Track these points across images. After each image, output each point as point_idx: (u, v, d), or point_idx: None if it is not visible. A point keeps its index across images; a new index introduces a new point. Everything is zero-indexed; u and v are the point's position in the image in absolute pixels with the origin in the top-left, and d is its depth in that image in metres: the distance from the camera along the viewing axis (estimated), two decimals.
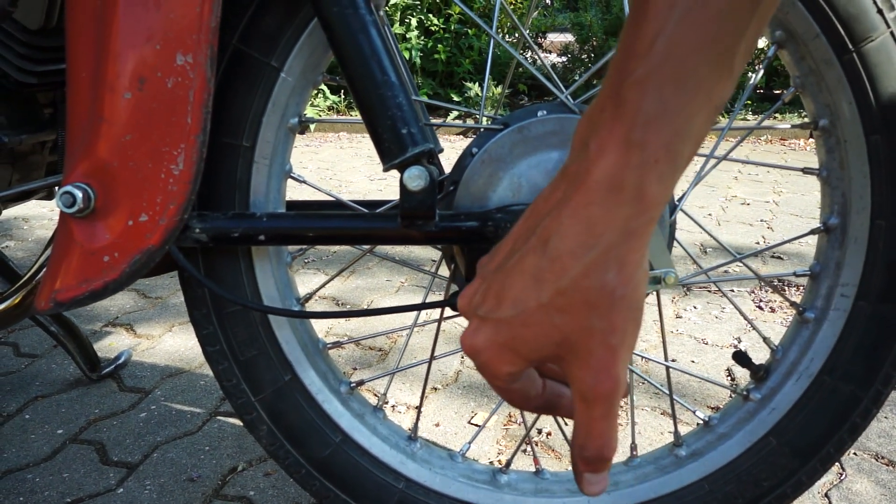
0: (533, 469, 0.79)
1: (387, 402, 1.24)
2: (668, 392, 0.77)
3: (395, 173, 0.63)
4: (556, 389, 0.41)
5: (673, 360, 1.38)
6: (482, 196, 0.63)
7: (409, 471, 0.76)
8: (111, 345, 1.49)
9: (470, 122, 4.32)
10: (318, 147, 4.12)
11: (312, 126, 4.54)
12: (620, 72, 0.32)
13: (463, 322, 1.57)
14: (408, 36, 4.71)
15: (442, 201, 0.64)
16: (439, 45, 4.76)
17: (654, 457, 0.77)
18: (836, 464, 1.03)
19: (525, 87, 5.02)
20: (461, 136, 4.35)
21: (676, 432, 0.76)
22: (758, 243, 2.10)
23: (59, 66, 0.80)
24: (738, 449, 0.72)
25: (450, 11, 4.79)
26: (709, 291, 1.74)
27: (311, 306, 1.69)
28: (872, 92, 0.62)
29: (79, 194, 0.58)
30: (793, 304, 0.72)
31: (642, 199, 0.32)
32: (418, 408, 0.82)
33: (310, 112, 4.51)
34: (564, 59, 5.01)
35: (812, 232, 0.69)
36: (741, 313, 0.75)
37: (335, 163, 3.62)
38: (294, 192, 2.82)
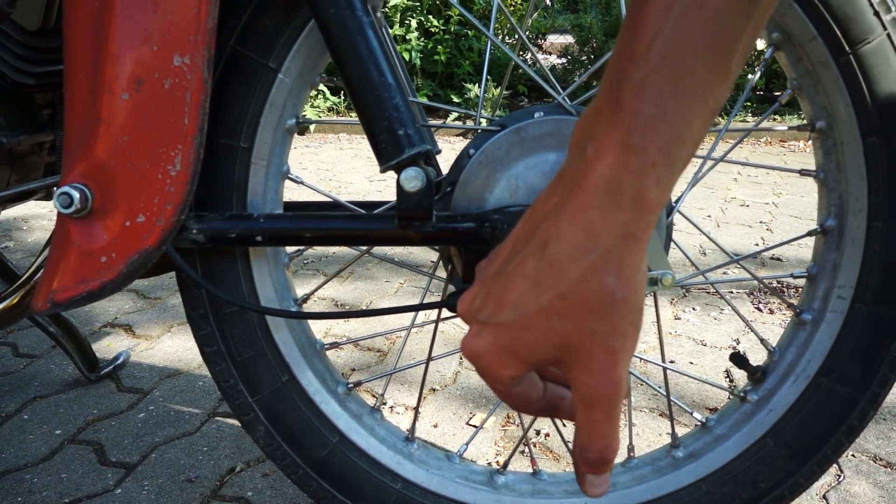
0: (530, 470, 0.79)
1: (385, 404, 1.24)
2: (665, 393, 0.77)
3: (394, 174, 0.63)
4: (556, 392, 0.41)
5: (671, 362, 1.38)
6: (479, 197, 0.63)
7: (407, 471, 0.76)
8: (110, 345, 1.49)
9: (468, 123, 4.32)
10: (318, 148, 4.12)
11: (312, 127, 4.54)
12: (617, 74, 0.32)
13: (461, 323, 1.57)
14: (408, 37, 4.71)
15: (439, 202, 0.65)
16: (439, 47, 4.76)
17: (652, 458, 0.77)
18: (834, 465, 1.03)
19: (524, 89, 5.02)
20: (460, 138, 4.35)
21: (674, 433, 0.76)
22: (757, 245, 2.10)
23: (57, 67, 0.80)
24: (736, 450, 0.72)
25: (450, 13, 4.80)
26: (707, 293, 1.74)
27: (310, 307, 1.70)
28: (869, 94, 0.62)
29: (76, 195, 0.58)
30: (790, 305, 0.72)
31: (641, 203, 0.32)
32: (416, 409, 0.82)
33: (310, 113, 4.51)
34: (564, 60, 5.01)
35: (809, 234, 0.69)
36: (739, 315, 0.75)
37: (335, 164, 3.62)
38: (292, 193, 2.82)
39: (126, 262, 0.60)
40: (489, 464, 1.06)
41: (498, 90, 4.68)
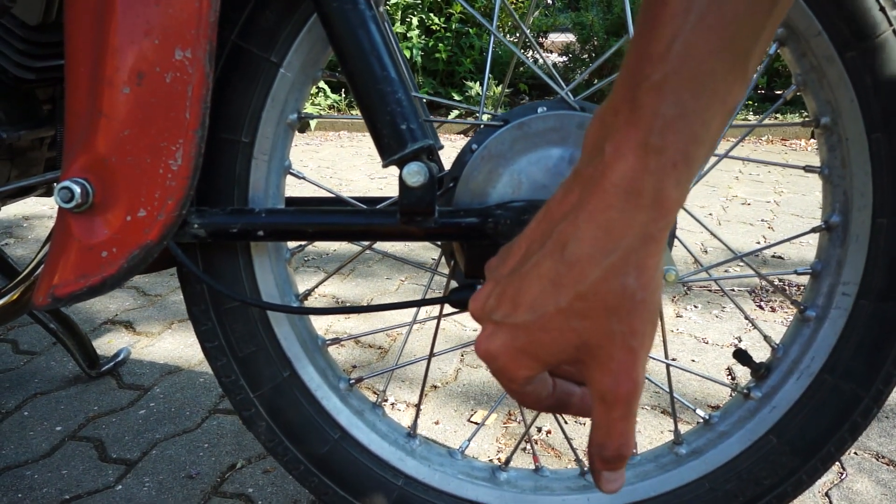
0: (532, 467, 0.79)
1: (386, 400, 1.24)
2: (668, 390, 0.76)
3: (395, 171, 0.62)
4: (566, 388, 0.41)
5: (673, 359, 1.38)
6: (482, 192, 0.63)
7: (409, 468, 0.76)
8: (110, 342, 1.49)
9: (471, 119, 4.31)
10: (319, 146, 4.12)
11: (313, 125, 4.54)
12: (635, 75, 0.32)
13: (463, 320, 1.57)
14: (409, 35, 4.71)
15: (441, 198, 0.64)
16: (440, 45, 4.75)
17: (655, 455, 0.77)
18: (837, 463, 1.03)
19: (526, 87, 5.01)
20: (462, 135, 4.35)
21: (677, 430, 0.76)
22: (758, 243, 2.10)
23: (58, 61, 0.80)
24: (739, 447, 0.72)
25: (451, 10, 4.79)
26: (709, 291, 1.74)
27: (311, 303, 1.69)
28: (874, 90, 0.61)
29: (77, 189, 0.57)
30: (794, 302, 0.72)
31: (661, 204, 0.32)
32: (417, 405, 0.81)
33: (311, 111, 4.51)
34: (565, 58, 5.01)
35: (813, 230, 0.69)
36: (742, 311, 0.75)
37: (336, 161, 3.62)
38: (294, 189, 2.82)
39: (127, 256, 0.59)
40: (491, 460, 1.06)
41: (500, 88, 4.68)
